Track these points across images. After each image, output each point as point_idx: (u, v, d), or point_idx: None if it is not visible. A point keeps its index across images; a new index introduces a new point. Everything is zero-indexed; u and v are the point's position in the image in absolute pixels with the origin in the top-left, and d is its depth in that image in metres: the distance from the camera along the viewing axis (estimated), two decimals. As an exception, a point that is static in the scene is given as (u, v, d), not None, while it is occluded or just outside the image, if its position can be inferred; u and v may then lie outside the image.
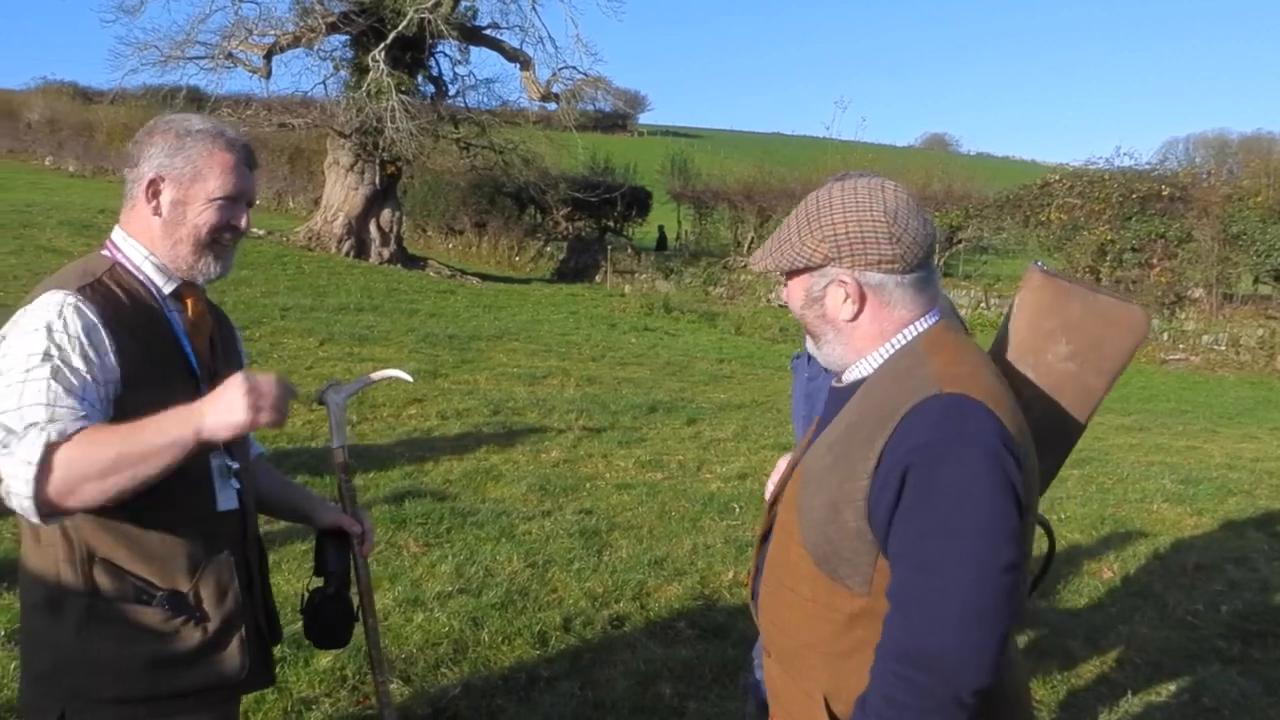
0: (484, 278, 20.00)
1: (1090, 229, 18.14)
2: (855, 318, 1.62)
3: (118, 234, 1.89)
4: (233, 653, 1.90)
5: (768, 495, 1.95)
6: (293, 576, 4.51)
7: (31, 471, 1.58)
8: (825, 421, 1.72)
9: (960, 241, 21.54)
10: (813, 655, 1.63)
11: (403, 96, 17.49)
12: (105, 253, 1.88)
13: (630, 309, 18.57)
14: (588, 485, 6.45)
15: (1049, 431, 1.74)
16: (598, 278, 22.52)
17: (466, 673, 3.76)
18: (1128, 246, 17.85)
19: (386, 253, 19.66)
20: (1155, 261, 17.50)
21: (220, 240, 1.88)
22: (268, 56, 18.27)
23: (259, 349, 9.82)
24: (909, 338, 1.62)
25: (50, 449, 1.59)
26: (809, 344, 1.75)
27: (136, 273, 1.84)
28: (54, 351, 1.67)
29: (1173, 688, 4.07)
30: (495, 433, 7.58)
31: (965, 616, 1.42)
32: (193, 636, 1.84)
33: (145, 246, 1.85)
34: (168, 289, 1.87)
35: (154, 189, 1.83)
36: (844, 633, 1.58)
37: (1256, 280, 18.06)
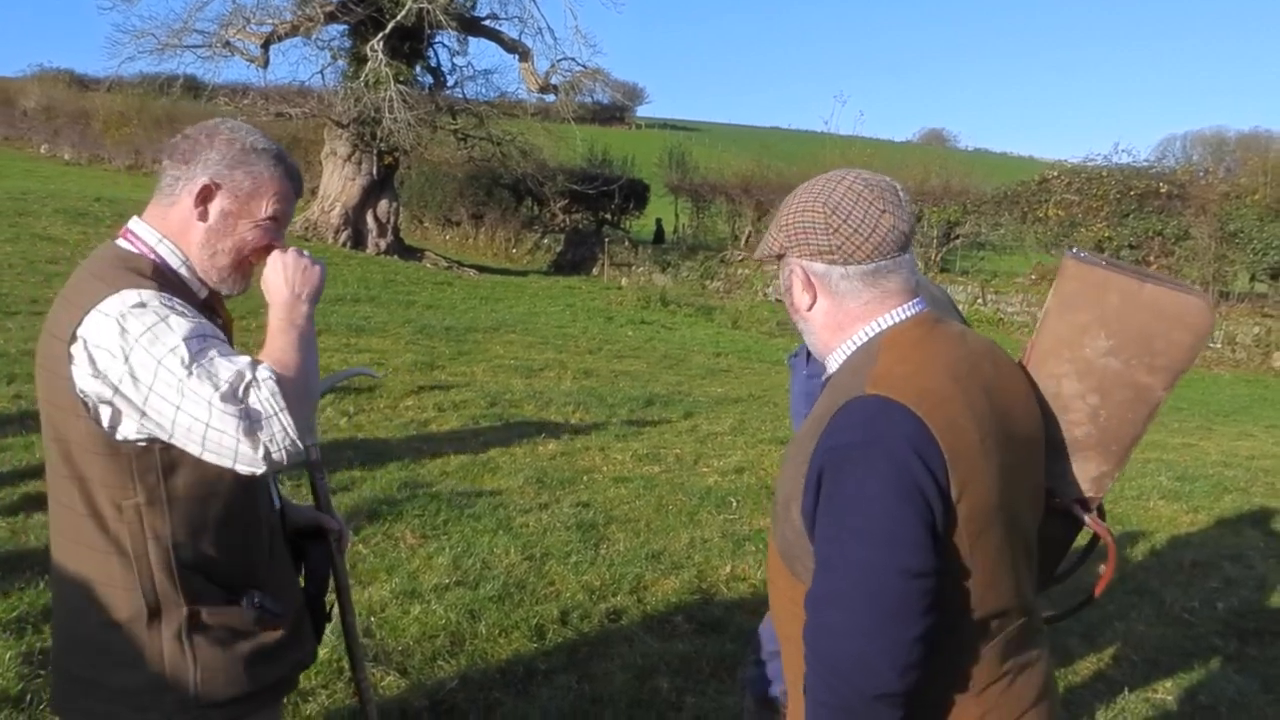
0: (481, 269, 19.98)
1: (1088, 226, 18.16)
2: (810, 307, 1.64)
3: (146, 230, 1.82)
4: (307, 636, 2.01)
5: None
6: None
7: (286, 418, 1.64)
8: None
9: (958, 237, 21.56)
10: (791, 647, 1.63)
11: (401, 87, 17.44)
12: (132, 247, 1.80)
13: (627, 302, 18.55)
14: (585, 478, 6.44)
15: (1100, 431, 1.67)
16: (595, 270, 22.50)
17: (463, 665, 3.75)
18: (1125, 243, 17.88)
19: (383, 244, 19.63)
20: (1152, 259, 17.53)
21: (254, 260, 1.87)
22: (265, 45, 18.19)
23: (256, 339, 9.75)
24: (870, 334, 1.60)
25: (281, 386, 1.65)
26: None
27: (173, 275, 1.81)
28: (198, 327, 1.67)
29: (1169, 685, 4.07)
30: (492, 425, 7.57)
31: (862, 623, 1.41)
32: (277, 629, 1.88)
33: (181, 251, 1.81)
34: (200, 296, 1.86)
35: (206, 195, 1.79)
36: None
37: (1253, 278, 18.10)
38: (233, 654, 1.80)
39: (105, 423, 1.67)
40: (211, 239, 1.80)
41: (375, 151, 18.84)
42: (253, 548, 1.86)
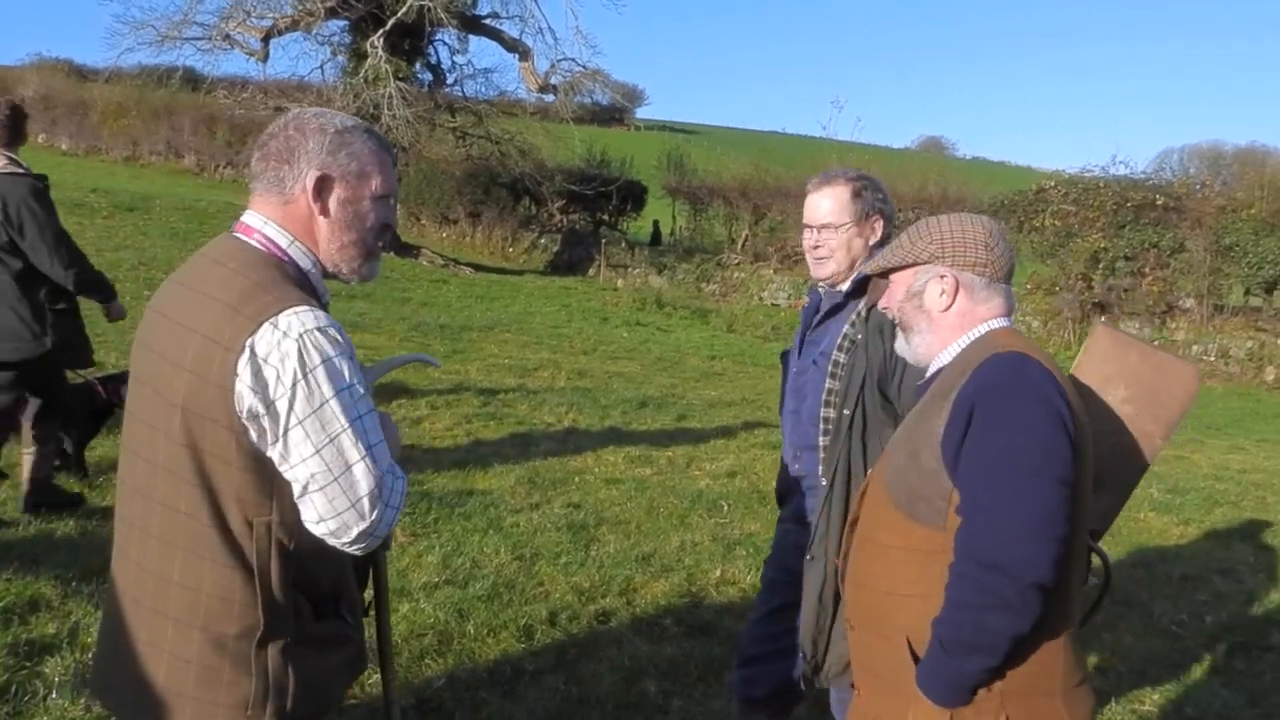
0: (477, 268, 19.96)
1: (1084, 236, 18.17)
2: (947, 309, 1.95)
3: (275, 230, 1.77)
4: (367, 644, 2.02)
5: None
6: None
7: (394, 516, 1.72)
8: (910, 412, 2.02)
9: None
10: (895, 600, 1.86)
11: (400, 84, 17.44)
12: (262, 247, 1.76)
13: (623, 303, 18.54)
14: (576, 479, 6.43)
15: (1112, 465, 2.01)
16: (591, 271, 22.48)
17: (451, 664, 3.75)
18: (1121, 255, 17.89)
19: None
20: (1148, 271, 17.55)
21: (381, 242, 1.86)
22: (265, 39, 18.19)
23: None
24: (982, 332, 1.93)
25: (405, 489, 1.75)
26: (898, 343, 2.05)
27: (307, 282, 1.78)
28: (359, 379, 1.70)
29: (1156, 697, 4.08)
30: (485, 424, 7.56)
31: (1025, 520, 1.66)
32: (354, 638, 1.91)
33: (311, 252, 1.79)
34: (325, 299, 1.84)
35: (322, 188, 1.76)
36: (924, 572, 1.80)
37: (1247, 292, 18.13)
38: (324, 667, 1.81)
39: (254, 438, 1.64)
40: (338, 231, 1.79)
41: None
42: (344, 564, 1.89)
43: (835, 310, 2.71)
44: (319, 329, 1.63)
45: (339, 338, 1.67)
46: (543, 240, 24.09)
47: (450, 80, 20.08)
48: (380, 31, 17.37)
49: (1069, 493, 1.70)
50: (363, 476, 1.64)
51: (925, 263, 1.96)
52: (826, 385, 2.63)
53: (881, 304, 2.08)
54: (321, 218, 1.77)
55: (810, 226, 2.71)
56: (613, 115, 42.61)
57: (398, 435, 1.90)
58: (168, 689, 1.72)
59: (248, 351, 1.60)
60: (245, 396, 1.61)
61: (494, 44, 20.10)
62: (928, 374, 1.99)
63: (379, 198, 1.82)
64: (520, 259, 23.18)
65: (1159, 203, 17.98)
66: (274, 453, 1.64)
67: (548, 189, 21.64)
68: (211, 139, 28.83)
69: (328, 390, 1.62)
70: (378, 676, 3.54)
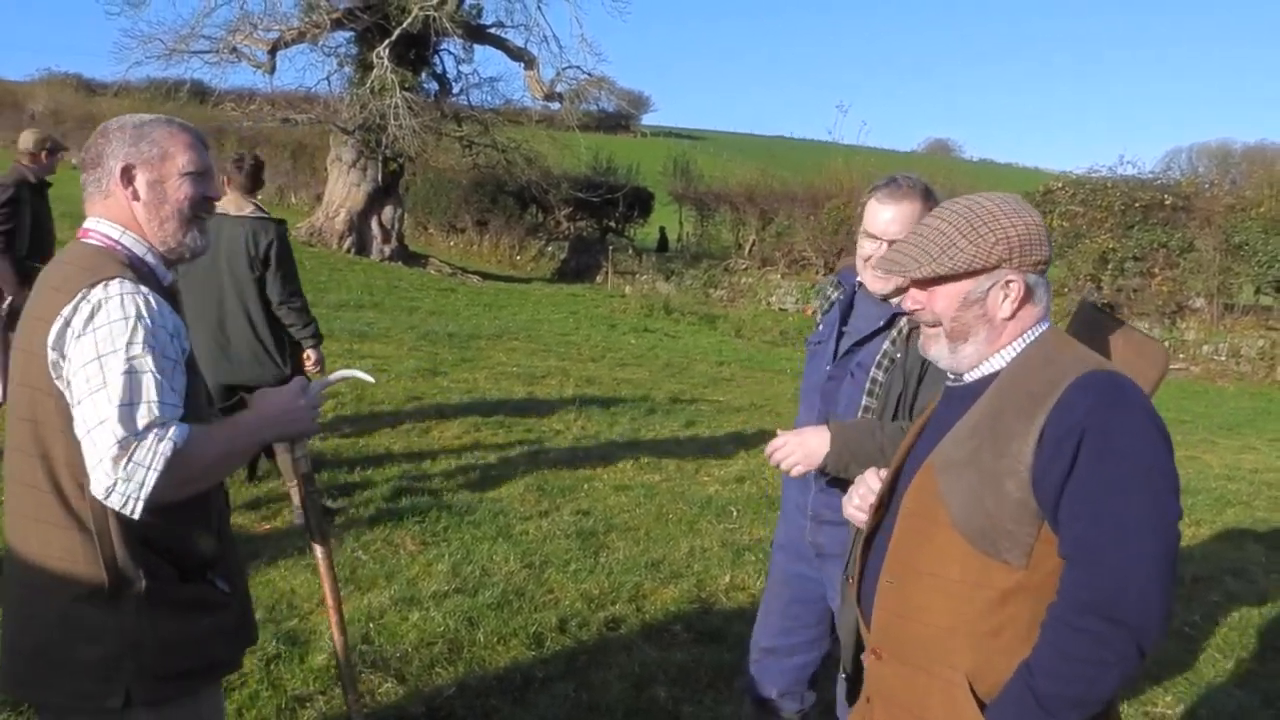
0: (485, 276, 20.00)
1: (1092, 237, 18.12)
2: (1012, 315, 1.74)
3: (106, 225, 1.93)
4: (252, 621, 2.14)
5: (855, 509, 1.97)
6: (288, 574, 4.50)
7: (155, 477, 1.69)
8: (948, 419, 1.79)
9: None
10: (954, 639, 1.68)
11: (406, 94, 17.50)
12: (99, 243, 1.91)
13: (630, 310, 18.56)
14: (585, 486, 6.43)
15: None
16: (598, 278, 22.51)
17: (462, 672, 3.75)
18: (1129, 255, 17.84)
19: (388, 250, 19.67)
20: (1157, 271, 17.49)
21: (200, 214, 1.98)
22: (272, 51, 18.28)
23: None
24: (1035, 334, 1.75)
25: (176, 457, 1.72)
26: (935, 348, 1.80)
27: (143, 265, 1.92)
28: (151, 341, 1.76)
29: (1169, 699, 4.06)
30: (494, 432, 7.57)
31: (1148, 565, 1.52)
32: (230, 605, 2.00)
33: (135, 234, 1.93)
34: (165, 281, 1.97)
35: (128, 176, 1.91)
36: (994, 610, 1.64)
37: (1258, 291, 18.04)
38: (190, 629, 1.90)
39: (68, 401, 1.76)
40: (152, 211, 1.93)
41: (380, 158, 18.90)
42: (205, 530, 1.95)
43: (886, 326, 2.63)
44: (121, 294, 1.76)
45: (140, 304, 1.77)
46: (550, 248, 24.14)
47: (456, 89, 20.16)
48: (386, 42, 17.43)
49: (1179, 531, 1.59)
50: (105, 434, 1.68)
51: (992, 268, 1.72)
52: (863, 402, 2.60)
53: (911, 306, 1.81)
54: (135, 203, 1.92)
55: (874, 237, 2.60)
56: (618, 122, 42.62)
57: (282, 407, 1.99)
58: (35, 654, 1.85)
59: (60, 320, 1.76)
60: (55, 361, 1.77)
61: (499, 53, 20.18)
62: (965, 378, 1.80)
63: (186, 174, 1.94)
64: (528, 267, 23.23)
65: (1167, 202, 17.92)
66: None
67: (554, 197, 21.67)
68: (220, 151, 28.92)
69: (105, 347, 1.72)
70: (388, 685, 3.57)
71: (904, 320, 2.57)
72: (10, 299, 5.74)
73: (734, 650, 4.06)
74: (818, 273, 21.62)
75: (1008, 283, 1.72)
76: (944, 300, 1.76)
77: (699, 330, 17.71)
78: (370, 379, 2.64)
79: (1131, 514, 1.54)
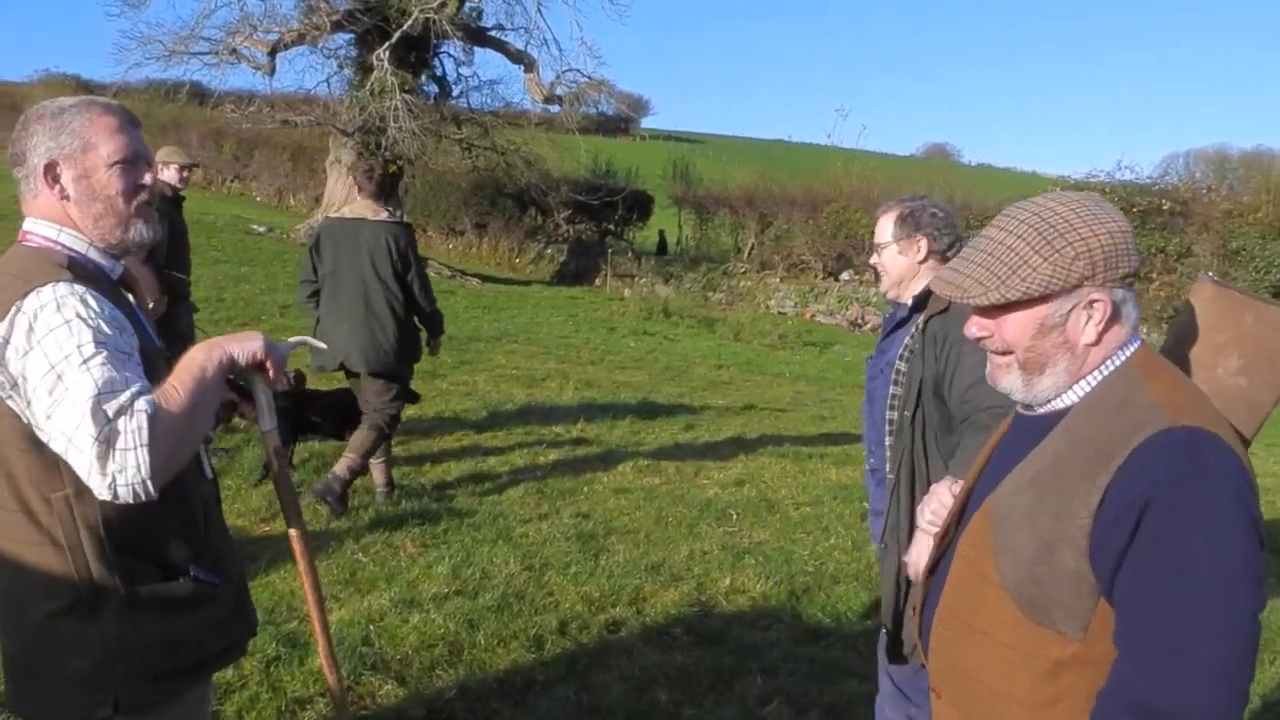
0: (484, 279, 19.99)
1: (1090, 242, 18.14)
2: (1098, 339, 1.49)
3: (43, 226, 1.84)
4: (249, 601, 2.12)
5: (927, 524, 1.89)
6: (288, 576, 4.50)
7: (145, 453, 1.63)
8: (1014, 453, 1.60)
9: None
10: (1009, 706, 1.53)
11: (406, 96, 17.48)
12: (36, 244, 1.84)
13: (629, 313, 18.55)
14: (585, 489, 6.44)
15: None
16: (598, 281, 22.50)
17: (462, 675, 3.75)
18: (1127, 260, 17.86)
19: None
20: (1154, 275, 17.52)
21: (139, 203, 1.88)
22: (272, 53, 18.26)
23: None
24: (1117, 361, 1.51)
25: (153, 424, 1.64)
26: (1008, 380, 1.58)
27: (87, 262, 1.84)
28: (99, 337, 1.68)
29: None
30: (493, 434, 7.57)
31: (1211, 670, 1.31)
32: (222, 598, 1.96)
33: (73, 231, 1.84)
34: (115, 274, 1.91)
35: (52, 174, 1.82)
36: (1048, 681, 1.48)
37: (1255, 296, 18.07)
38: (173, 629, 1.85)
39: (23, 417, 1.70)
40: (84, 207, 1.83)
41: (380, 159, 18.88)
42: (186, 523, 1.90)
43: (903, 323, 2.97)
44: (57, 299, 1.68)
45: (78, 305, 1.69)
46: (549, 250, 24.13)
47: (456, 92, 20.13)
48: (386, 44, 17.41)
49: (1259, 628, 1.34)
50: (85, 434, 1.61)
51: (1073, 288, 1.46)
52: (890, 391, 2.89)
53: (976, 334, 1.58)
54: (65, 201, 1.83)
55: (875, 246, 3.02)
56: (618, 125, 42.65)
57: (232, 335, 1.92)
58: (20, 669, 1.84)
59: (0, 339, 1.68)
60: (2, 382, 1.70)
61: (499, 56, 20.14)
62: (1037, 409, 1.58)
63: (114, 164, 1.83)
64: (527, 269, 23.22)
65: (1165, 207, 17.95)
66: (35, 425, 1.69)
67: (554, 199, 21.65)
68: (219, 153, 28.97)
69: (55, 355, 1.65)
70: (389, 688, 3.57)
71: (920, 315, 2.85)
72: (152, 303, 5.80)
73: (734, 653, 4.07)
74: (817, 276, 21.65)
75: (1092, 303, 1.46)
76: (1015, 328, 1.51)
77: (698, 333, 17.71)
78: (322, 345, 2.67)
79: (1198, 609, 1.32)
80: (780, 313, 20.55)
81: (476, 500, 5.96)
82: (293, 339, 2.34)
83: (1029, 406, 1.60)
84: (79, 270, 1.79)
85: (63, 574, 1.76)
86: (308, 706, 3.42)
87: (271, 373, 1.97)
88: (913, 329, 2.88)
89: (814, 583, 4.97)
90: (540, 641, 4.08)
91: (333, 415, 6.08)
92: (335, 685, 2.28)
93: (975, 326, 1.58)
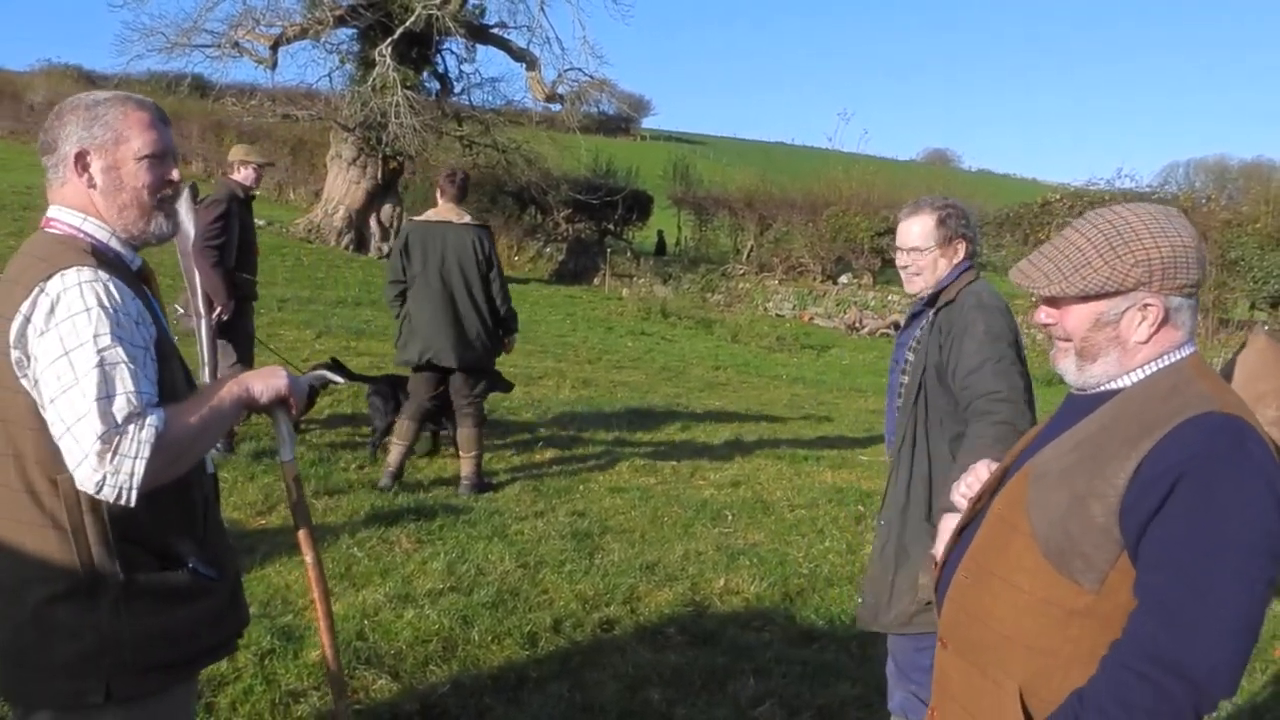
0: (483, 276, 19.97)
1: (1089, 249, 18.17)
2: (1148, 339, 1.64)
3: (67, 213, 1.87)
4: (242, 604, 2.10)
5: (960, 496, 1.95)
6: (283, 569, 4.50)
7: (142, 465, 1.66)
8: (1059, 426, 1.74)
9: (959, 257, 21.54)
10: (1013, 648, 1.65)
11: (408, 92, 17.49)
12: (60, 231, 1.86)
13: (627, 313, 18.57)
14: (581, 488, 6.44)
15: None
16: (596, 280, 22.53)
17: (455, 670, 3.76)
18: (1126, 268, 17.89)
19: (386, 247, 19.61)
20: (1153, 284, 17.56)
21: (163, 198, 1.91)
22: (274, 47, 18.25)
23: (255, 339, 9.79)
24: (1175, 358, 1.64)
25: (159, 439, 1.68)
26: (1065, 363, 1.73)
27: (109, 251, 1.87)
28: (118, 330, 1.71)
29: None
30: (490, 432, 7.57)
31: (1224, 631, 1.44)
32: (218, 592, 1.95)
33: (97, 220, 1.87)
34: (134, 266, 1.93)
35: (82, 162, 1.85)
36: (1058, 629, 1.60)
37: (1253, 306, 18.12)
38: (168, 621, 1.85)
39: (35, 397, 1.71)
40: (110, 198, 1.86)
41: (380, 156, 18.88)
42: (186, 515, 1.92)
43: (915, 317, 3.10)
44: (81, 284, 1.71)
45: (100, 293, 1.72)
46: (548, 249, 24.14)
47: (458, 89, 20.14)
48: (389, 40, 17.42)
49: (1270, 592, 1.48)
50: (85, 430, 1.65)
51: (1129, 290, 1.61)
52: (903, 381, 3.00)
53: (1043, 321, 1.75)
54: (92, 190, 1.86)
55: (901, 249, 3.07)
56: (619, 125, 42.66)
57: (259, 373, 1.98)
58: (11, 654, 1.82)
59: (21, 316, 1.71)
60: (19, 359, 1.72)
61: (501, 53, 20.16)
62: (1089, 389, 1.71)
63: (143, 158, 1.87)
64: (525, 268, 23.23)
65: (1164, 217, 17.98)
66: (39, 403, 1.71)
67: (553, 198, 21.67)
68: (219, 145, 28.91)
69: (71, 341, 1.67)
70: (382, 682, 3.57)
71: (932, 310, 2.97)
72: (219, 309, 5.99)
73: (728, 653, 4.08)
74: (815, 279, 21.68)
75: (1145, 306, 1.61)
76: (1075, 319, 1.68)
77: (696, 334, 17.73)
78: (340, 381, 2.72)
79: (1219, 576, 1.45)
80: (778, 315, 20.58)
81: (472, 497, 5.97)
82: (311, 373, 2.38)
83: (1081, 388, 1.74)
84: (101, 258, 1.81)
85: (62, 558, 1.76)
86: (301, 700, 3.42)
87: (294, 408, 2.03)
88: (923, 323, 3.01)
89: (808, 585, 4.98)
90: (534, 639, 4.09)
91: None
92: (338, 685, 2.27)
93: (1043, 314, 1.74)
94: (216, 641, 2.00)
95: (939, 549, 2.42)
